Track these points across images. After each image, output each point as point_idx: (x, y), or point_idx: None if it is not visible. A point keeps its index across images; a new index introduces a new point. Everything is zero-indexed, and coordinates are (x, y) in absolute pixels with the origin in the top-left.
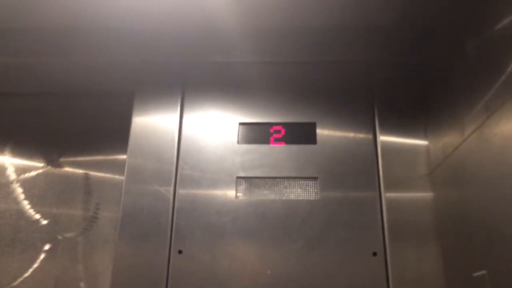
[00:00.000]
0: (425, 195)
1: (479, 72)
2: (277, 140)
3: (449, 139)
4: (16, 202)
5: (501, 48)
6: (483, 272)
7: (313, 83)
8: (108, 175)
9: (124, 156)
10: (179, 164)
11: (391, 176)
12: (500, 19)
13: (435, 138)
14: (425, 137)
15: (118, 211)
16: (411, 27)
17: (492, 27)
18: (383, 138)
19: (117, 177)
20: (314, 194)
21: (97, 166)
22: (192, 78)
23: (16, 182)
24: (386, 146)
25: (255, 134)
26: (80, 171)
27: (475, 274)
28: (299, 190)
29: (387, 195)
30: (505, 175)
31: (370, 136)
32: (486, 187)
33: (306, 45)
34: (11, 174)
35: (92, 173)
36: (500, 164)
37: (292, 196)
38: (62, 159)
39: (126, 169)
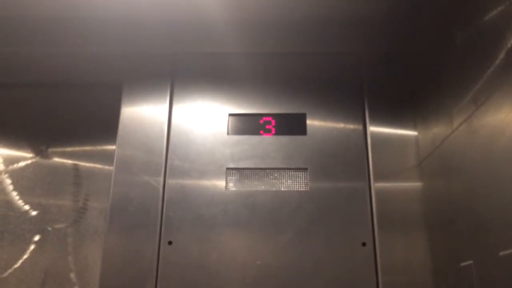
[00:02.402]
0: (414, 185)
1: (467, 64)
2: (267, 131)
3: (438, 130)
4: (5, 193)
5: (489, 40)
6: (470, 262)
7: (303, 74)
8: (97, 166)
9: (114, 147)
10: (168, 155)
11: (380, 167)
12: (487, 10)
13: (424, 129)
14: (414, 127)
15: (108, 202)
16: (400, 19)
17: (480, 19)
18: (373, 129)
19: (106, 167)
20: (304, 185)
21: (86, 156)
22: (181, 69)
23: (5, 173)
24: (376, 137)
25: (245, 125)
26: (69, 161)
27: (462, 264)
28: (289, 181)
29: (376, 185)
30: (492, 166)
31: (360, 127)
32: (474, 178)
33: (296, 36)
34: None
35: (81, 164)
36: (488, 155)
37: (282, 187)
38: (50, 150)
39: (115, 160)
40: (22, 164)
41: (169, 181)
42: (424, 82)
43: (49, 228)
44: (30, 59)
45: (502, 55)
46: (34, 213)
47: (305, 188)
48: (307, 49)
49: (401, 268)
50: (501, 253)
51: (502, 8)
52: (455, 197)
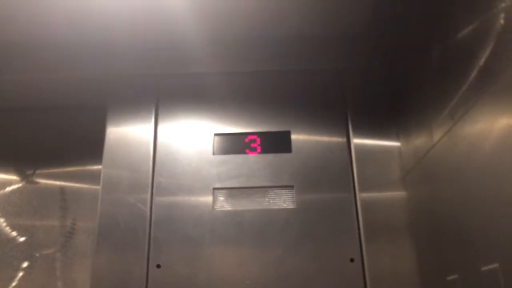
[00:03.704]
0: (399, 194)
1: (444, 80)
2: (252, 150)
3: (419, 142)
4: None
5: (463, 57)
6: (455, 276)
7: (286, 91)
8: (84, 186)
9: (100, 167)
10: (155, 175)
11: (365, 178)
12: (461, 28)
13: (406, 141)
14: (397, 139)
15: (95, 223)
16: (380, 35)
17: (454, 37)
18: (356, 141)
19: (93, 187)
20: (291, 202)
21: (73, 178)
22: (165, 89)
23: None
24: (360, 149)
25: (231, 144)
26: (55, 183)
27: (448, 278)
28: (276, 199)
29: (362, 196)
30: (472, 178)
31: (344, 140)
32: (456, 190)
33: (277, 54)
34: None
35: (68, 185)
36: (468, 168)
37: (269, 205)
38: (37, 173)
39: (101, 179)
40: (8, 189)
41: (156, 201)
42: (405, 95)
43: (37, 254)
44: (16, 84)
45: (474, 73)
46: (21, 239)
47: (292, 205)
48: (289, 66)
49: (390, 283)
50: (483, 268)
51: (474, 27)
52: (439, 208)
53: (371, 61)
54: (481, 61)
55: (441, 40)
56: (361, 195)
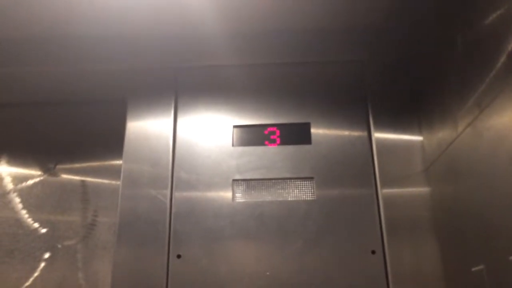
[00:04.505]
0: (422, 190)
1: (469, 68)
2: (272, 142)
3: (443, 135)
4: (14, 211)
5: (489, 44)
6: (481, 267)
7: (307, 83)
8: (105, 181)
9: (120, 162)
10: (174, 168)
11: (387, 173)
12: (488, 14)
13: (429, 134)
14: (419, 133)
15: (116, 217)
16: (401, 26)
17: (480, 23)
18: (377, 135)
19: (113, 182)
20: (310, 194)
21: (94, 172)
22: (184, 82)
23: (14, 192)
24: (381, 144)
25: (250, 136)
26: (76, 178)
27: (473, 269)
28: (295, 190)
29: (383, 191)
30: (498, 169)
31: (365, 134)
32: (481, 182)
33: (298, 46)
34: (8, 184)
35: (89, 180)
36: (494, 159)
37: (289, 197)
38: (58, 167)
39: (122, 174)
40: (30, 182)
41: (176, 194)
42: (428, 87)
43: (59, 245)
44: (34, 79)
45: (503, 58)
46: (43, 230)
47: (312, 197)
48: (310, 58)
49: (412, 275)
50: (511, 257)
51: (502, 12)
52: (463, 202)
53: (392, 53)
54: (510, 46)
55: (465, 26)
56: (382, 191)
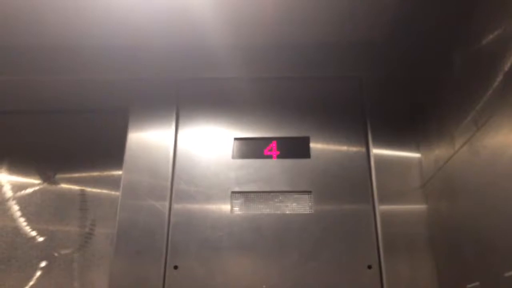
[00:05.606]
0: (419, 207)
1: (467, 86)
2: (271, 155)
3: (440, 152)
4: (13, 219)
5: (487, 63)
6: (476, 283)
7: (306, 98)
8: (104, 191)
9: (120, 172)
10: (174, 179)
11: (384, 189)
12: (485, 34)
13: (427, 150)
14: (417, 149)
15: (114, 227)
16: (400, 43)
17: (478, 42)
18: (376, 151)
19: (113, 193)
20: (308, 208)
21: (93, 182)
22: (186, 94)
23: (13, 200)
24: (379, 159)
25: (250, 149)
26: (75, 187)
27: (468, 286)
28: (293, 204)
29: (381, 207)
30: (495, 186)
31: (363, 150)
32: (476, 199)
33: (299, 60)
34: (7, 192)
35: (88, 189)
36: (489, 176)
37: (287, 210)
38: (57, 176)
39: (121, 185)
40: (29, 190)
41: (175, 205)
42: (426, 103)
43: (56, 254)
44: (38, 87)
45: (500, 77)
46: (41, 239)
47: (309, 211)
48: (310, 73)
49: None
50: (506, 274)
51: (499, 32)
52: (459, 218)
53: (391, 69)
54: (506, 66)
55: (463, 45)
56: (380, 206)
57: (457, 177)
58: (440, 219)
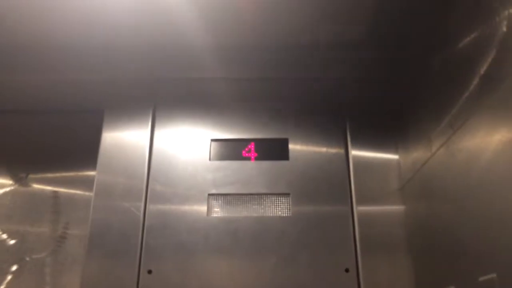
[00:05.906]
0: (397, 208)
1: (443, 90)
2: (249, 157)
3: (418, 154)
4: None
5: (463, 66)
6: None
7: (285, 99)
8: (78, 192)
9: (94, 173)
10: (149, 180)
11: (363, 191)
12: (461, 37)
13: (405, 152)
14: (396, 151)
15: (87, 229)
16: (379, 44)
17: (455, 46)
18: (354, 152)
19: (87, 194)
20: (286, 210)
21: (67, 183)
22: (163, 94)
23: None
24: (358, 161)
25: (227, 150)
26: (48, 188)
27: None
28: (271, 206)
29: (359, 209)
30: (469, 189)
31: (342, 151)
32: (452, 201)
33: (278, 61)
34: None
35: (62, 190)
36: (465, 179)
37: (265, 212)
38: (30, 177)
39: (95, 185)
40: (0, 191)
41: (150, 207)
42: (404, 106)
43: (27, 258)
44: (11, 86)
45: (475, 80)
46: (12, 242)
47: (288, 214)
48: (289, 74)
49: None
50: (481, 278)
51: (475, 36)
52: (435, 221)
53: (370, 71)
54: (482, 69)
55: (441, 49)
56: (358, 208)
57: (434, 180)
58: (418, 221)
